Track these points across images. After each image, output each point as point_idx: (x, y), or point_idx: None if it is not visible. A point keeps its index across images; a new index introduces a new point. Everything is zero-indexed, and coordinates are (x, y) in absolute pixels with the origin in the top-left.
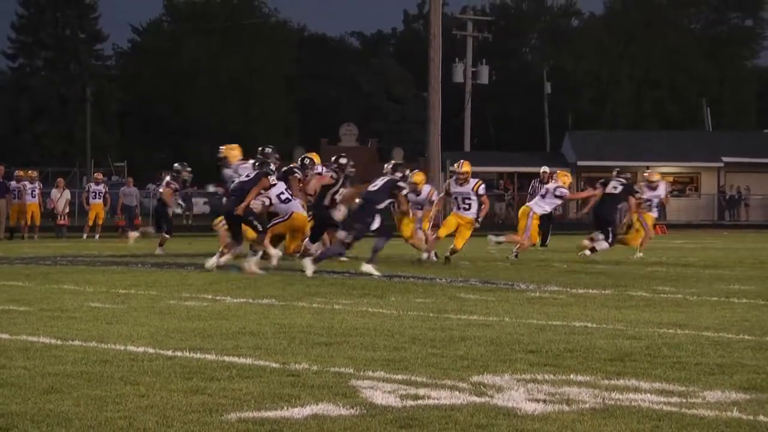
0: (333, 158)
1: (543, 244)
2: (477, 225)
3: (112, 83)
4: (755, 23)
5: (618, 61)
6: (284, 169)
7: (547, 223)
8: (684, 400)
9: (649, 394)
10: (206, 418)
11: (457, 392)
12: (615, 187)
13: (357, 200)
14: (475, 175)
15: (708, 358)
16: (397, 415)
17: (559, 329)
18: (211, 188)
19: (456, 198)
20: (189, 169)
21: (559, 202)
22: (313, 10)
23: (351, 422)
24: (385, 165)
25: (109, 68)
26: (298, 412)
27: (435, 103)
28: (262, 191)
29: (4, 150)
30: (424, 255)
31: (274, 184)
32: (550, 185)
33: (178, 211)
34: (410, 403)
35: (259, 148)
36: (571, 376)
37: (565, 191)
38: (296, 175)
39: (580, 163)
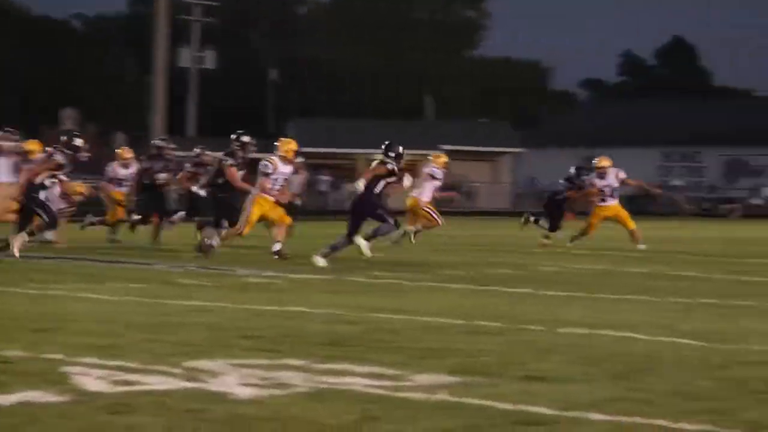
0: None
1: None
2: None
3: None
4: (478, 14)
5: (344, 50)
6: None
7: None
8: (395, 384)
9: (361, 378)
10: None
11: (170, 378)
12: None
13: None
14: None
15: (421, 343)
16: (108, 401)
17: (275, 314)
18: None
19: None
20: None
21: (437, 183)
22: None
23: (60, 408)
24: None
25: None
26: (5, 399)
27: (159, 87)
28: None
29: None
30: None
31: None
32: (425, 168)
33: None
34: (122, 389)
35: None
36: (286, 361)
37: (438, 171)
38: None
39: (304, 149)
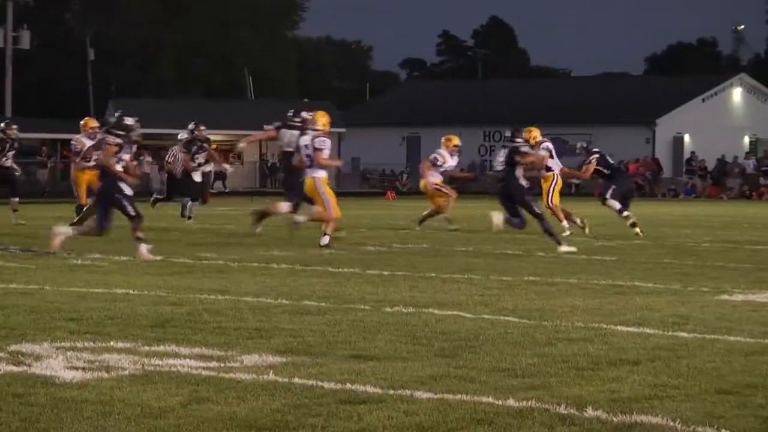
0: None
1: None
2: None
3: None
4: None
5: (163, 29)
6: None
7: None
8: (222, 365)
9: (188, 360)
10: None
11: None
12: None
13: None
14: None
15: (247, 323)
16: None
17: (100, 297)
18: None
19: None
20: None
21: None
22: None
23: None
24: None
25: None
26: None
27: None
28: None
29: None
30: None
31: None
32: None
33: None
34: None
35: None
36: (112, 343)
37: (439, 157)
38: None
39: None
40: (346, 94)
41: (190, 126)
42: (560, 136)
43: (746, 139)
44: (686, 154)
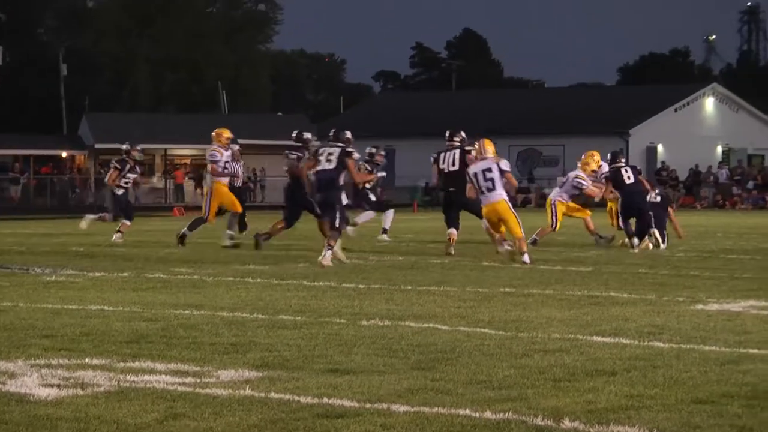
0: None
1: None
2: None
3: None
4: (268, 8)
5: (137, 43)
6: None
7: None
8: (198, 380)
9: (164, 375)
10: None
11: None
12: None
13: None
14: None
15: (223, 338)
16: None
17: (75, 313)
18: None
19: None
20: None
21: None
22: None
23: None
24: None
25: None
26: None
27: None
28: None
29: None
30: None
31: None
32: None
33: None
34: None
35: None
36: (87, 360)
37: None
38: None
39: (98, 145)
40: (320, 106)
41: (125, 146)
42: (534, 147)
43: (719, 149)
44: (660, 164)
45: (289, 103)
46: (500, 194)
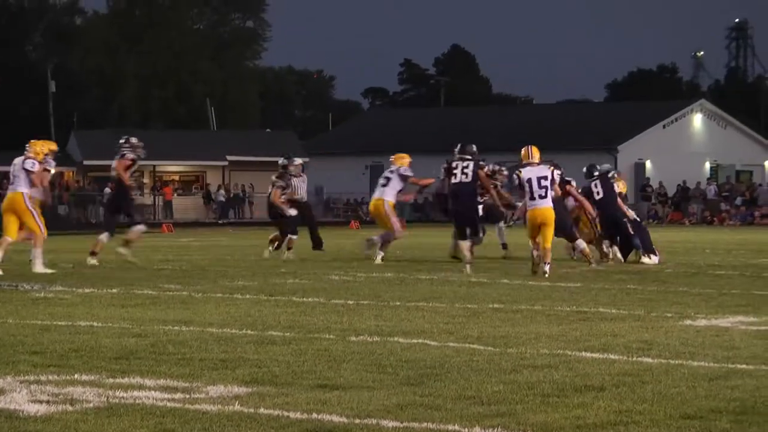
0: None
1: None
2: None
3: None
4: (256, 24)
5: (124, 60)
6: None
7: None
8: (188, 396)
9: (153, 391)
10: None
11: None
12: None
13: None
14: None
15: (212, 354)
16: None
17: (63, 329)
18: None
19: None
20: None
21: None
22: None
23: None
24: None
25: None
26: None
27: None
28: None
29: None
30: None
31: None
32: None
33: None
34: None
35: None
36: (76, 376)
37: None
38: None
39: (86, 162)
40: (309, 123)
41: (281, 161)
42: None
43: (707, 165)
44: (654, 181)
45: (277, 120)
46: (550, 202)
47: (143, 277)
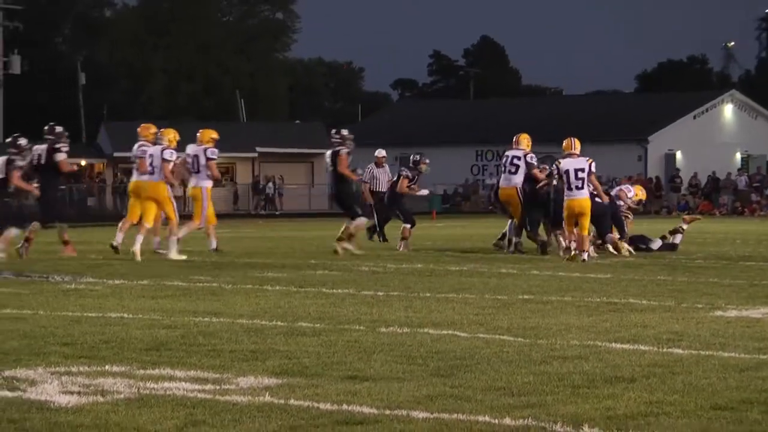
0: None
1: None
2: None
3: None
4: (285, 16)
5: (152, 53)
6: None
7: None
8: (218, 387)
9: (183, 383)
10: None
11: None
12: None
13: None
14: None
15: (242, 345)
16: None
17: (94, 321)
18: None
19: None
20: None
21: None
22: None
23: None
24: None
25: None
26: None
27: None
28: None
29: None
30: None
31: None
32: None
33: None
34: None
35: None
36: (107, 367)
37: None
38: None
39: (116, 154)
40: (338, 114)
41: (413, 157)
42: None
43: (738, 156)
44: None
45: (306, 112)
46: (587, 193)
47: (173, 269)
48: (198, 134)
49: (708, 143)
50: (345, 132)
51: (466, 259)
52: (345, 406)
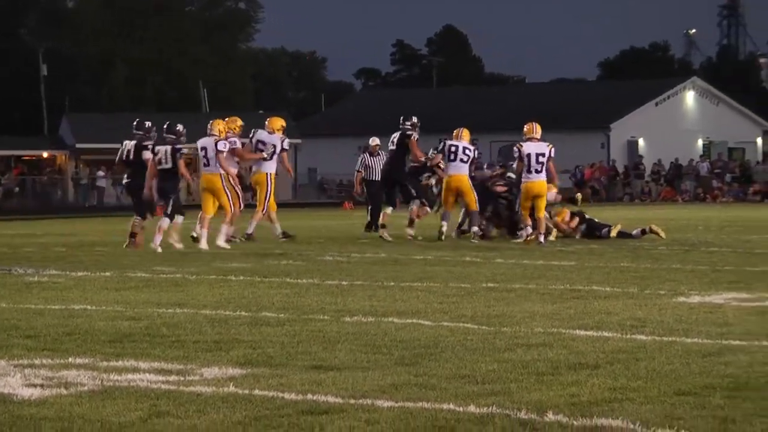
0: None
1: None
2: None
3: None
4: (248, 6)
5: (115, 43)
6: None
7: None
8: (182, 378)
9: (147, 374)
10: None
11: None
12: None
13: None
14: None
15: (206, 336)
16: None
17: (57, 313)
18: None
19: None
20: None
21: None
22: None
23: None
24: None
25: None
26: None
27: None
28: None
29: None
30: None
31: None
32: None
33: None
34: None
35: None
36: (70, 360)
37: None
38: None
39: (79, 145)
40: (301, 104)
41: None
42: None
43: (700, 142)
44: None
45: (270, 102)
46: (544, 176)
47: (137, 260)
48: (267, 122)
49: (670, 130)
50: (415, 119)
51: (430, 248)
52: (310, 396)
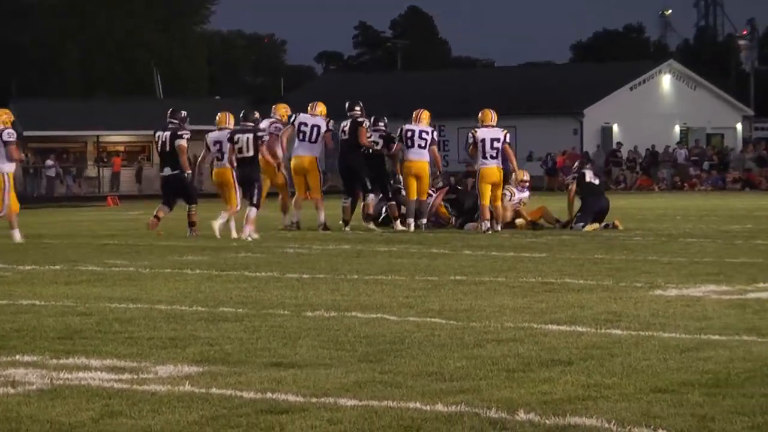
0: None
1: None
2: None
3: None
4: None
5: (66, 27)
6: None
7: None
8: (136, 376)
9: (99, 372)
10: None
11: None
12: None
13: None
14: None
15: (161, 332)
16: None
17: (4, 308)
18: None
19: None
20: None
21: None
22: None
23: None
24: None
25: None
26: None
27: None
28: None
29: None
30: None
31: None
32: None
33: None
34: None
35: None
36: (17, 357)
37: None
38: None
39: (27, 133)
40: (260, 90)
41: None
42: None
43: (677, 128)
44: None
45: (226, 87)
46: (500, 162)
47: (88, 253)
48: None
49: (646, 116)
50: (361, 104)
51: (395, 240)
52: (269, 395)
